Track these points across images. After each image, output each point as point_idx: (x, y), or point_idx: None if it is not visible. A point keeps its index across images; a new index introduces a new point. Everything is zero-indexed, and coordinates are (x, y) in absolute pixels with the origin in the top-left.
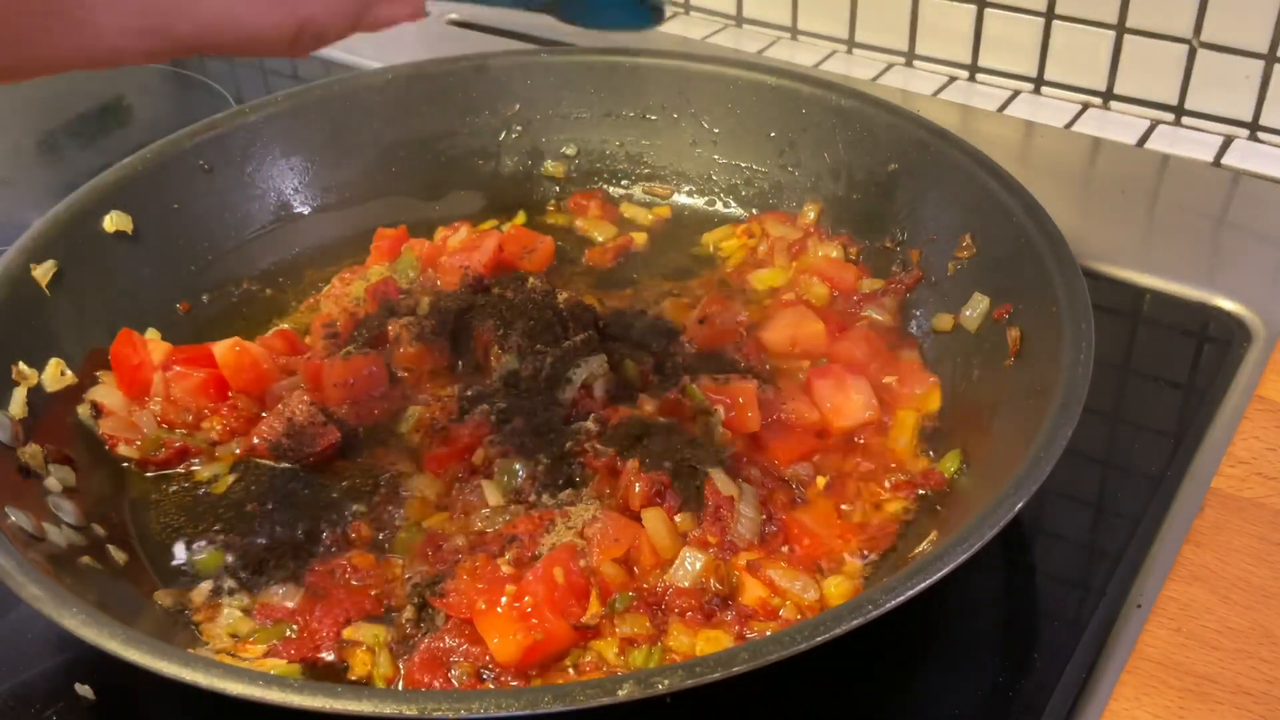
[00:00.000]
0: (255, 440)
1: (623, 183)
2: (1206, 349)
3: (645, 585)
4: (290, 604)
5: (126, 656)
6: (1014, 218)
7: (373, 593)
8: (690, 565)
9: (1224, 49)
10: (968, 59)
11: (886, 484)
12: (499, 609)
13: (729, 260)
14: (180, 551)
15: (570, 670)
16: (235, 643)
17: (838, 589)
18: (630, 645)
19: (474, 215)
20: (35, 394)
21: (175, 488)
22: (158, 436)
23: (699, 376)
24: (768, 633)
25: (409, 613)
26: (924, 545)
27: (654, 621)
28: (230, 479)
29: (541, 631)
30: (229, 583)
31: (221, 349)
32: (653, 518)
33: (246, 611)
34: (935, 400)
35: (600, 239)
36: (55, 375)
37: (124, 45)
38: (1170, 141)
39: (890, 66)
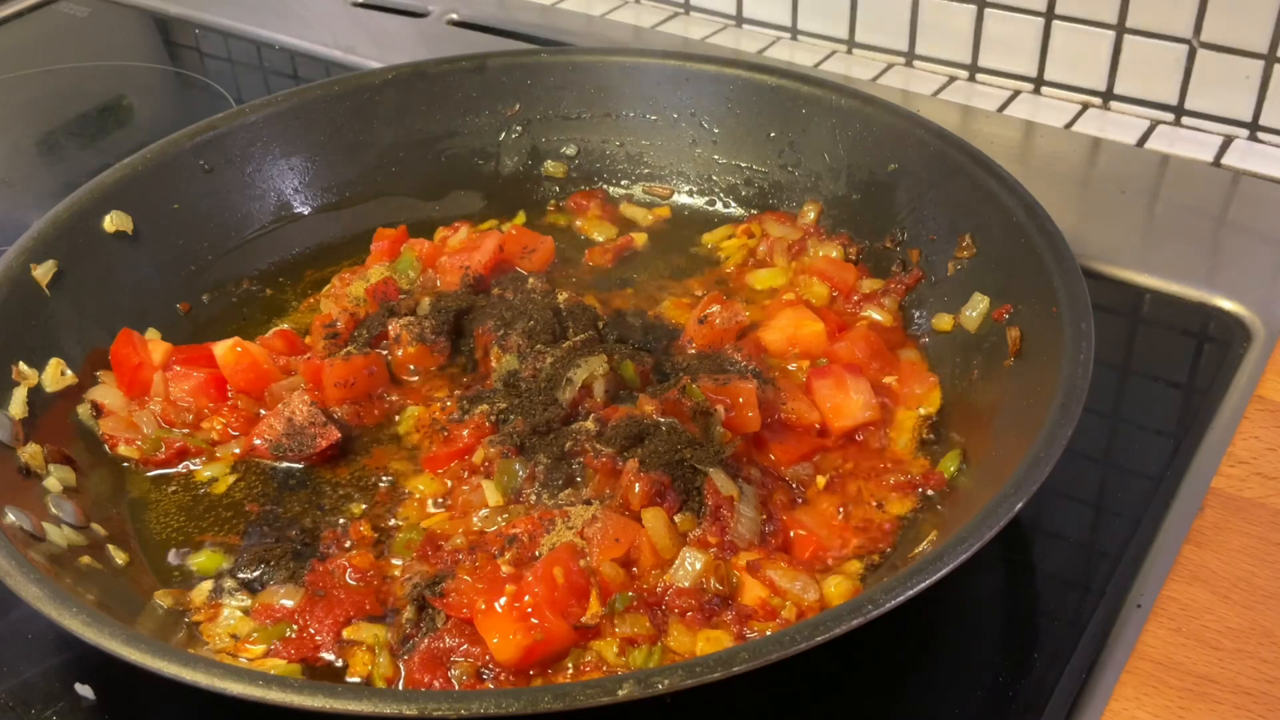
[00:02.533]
0: (255, 440)
1: (623, 183)
2: (1206, 349)
3: (645, 585)
4: (290, 604)
5: (126, 656)
6: (1014, 218)
7: (373, 593)
8: (690, 565)
9: (1224, 49)
10: (968, 59)
11: (886, 484)
12: (499, 609)
13: (729, 260)
14: (180, 551)
15: (570, 670)
16: (235, 643)
17: (838, 589)
18: (630, 645)
19: (474, 215)
20: (35, 394)
21: (175, 488)
22: (158, 436)
23: (699, 376)
24: (768, 633)
25: (409, 613)
26: (924, 545)
27: (654, 621)
28: (230, 479)
29: (541, 631)
30: (229, 583)
31: (221, 349)
32: (653, 518)
33: (246, 611)
34: (935, 400)
35: (600, 239)
36: (55, 375)
37: None
38: (1170, 141)
39: (890, 66)
